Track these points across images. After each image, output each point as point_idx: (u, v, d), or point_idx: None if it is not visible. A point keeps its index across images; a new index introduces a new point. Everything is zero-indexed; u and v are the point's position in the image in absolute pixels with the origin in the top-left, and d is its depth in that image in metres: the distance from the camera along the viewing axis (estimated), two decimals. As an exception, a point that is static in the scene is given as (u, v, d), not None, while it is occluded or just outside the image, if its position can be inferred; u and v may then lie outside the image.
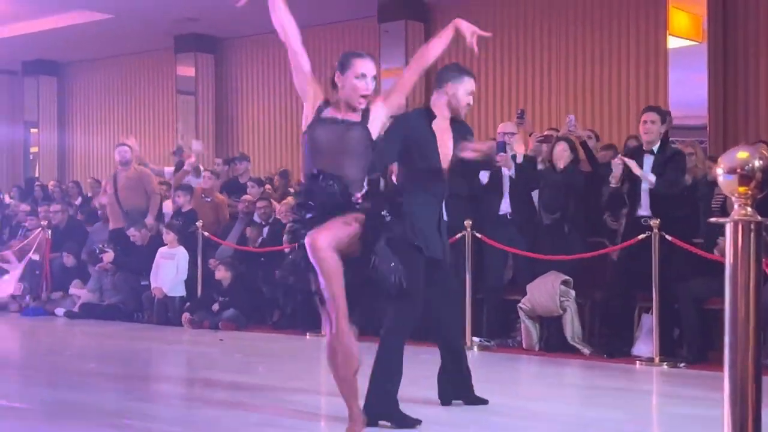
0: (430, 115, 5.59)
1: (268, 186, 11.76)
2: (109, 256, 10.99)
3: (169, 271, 10.39)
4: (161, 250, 10.51)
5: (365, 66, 4.48)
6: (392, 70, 13.52)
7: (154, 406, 6.02)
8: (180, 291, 10.40)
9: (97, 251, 11.27)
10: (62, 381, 6.89)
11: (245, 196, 10.96)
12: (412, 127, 5.54)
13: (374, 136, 4.52)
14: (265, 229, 10.36)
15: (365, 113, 4.48)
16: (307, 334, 9.05)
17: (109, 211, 11.47)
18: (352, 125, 4.42)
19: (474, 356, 7.96)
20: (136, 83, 17.17)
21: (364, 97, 4.46)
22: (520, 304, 8.17)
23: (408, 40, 13.47)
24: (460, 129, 5.69)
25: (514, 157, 8.39)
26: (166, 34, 15.08)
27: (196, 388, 5.65)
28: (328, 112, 4.48)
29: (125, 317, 10.75)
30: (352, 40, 14.43)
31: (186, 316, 9.84)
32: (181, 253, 10.39)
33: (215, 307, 9.77)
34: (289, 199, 10.10)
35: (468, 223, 8.24)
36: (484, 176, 8.45)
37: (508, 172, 8.38)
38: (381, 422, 4.98)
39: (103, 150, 17.58)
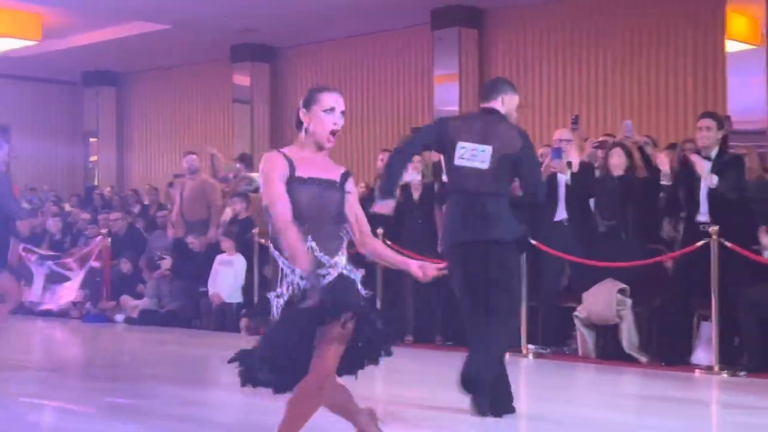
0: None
1: None
2: (167, 263, 11.12)
3: (227, 277, 10.49)
4: (219, 257, 10.59)
5: (333, 99, 4.09)
6: (445, 76, 13.52)
7: (211, 412, 6.07)
8: (237, 297, 10.48)
9: (156, 258, 11.41)
10: (121, 386, 6.98)
11: None
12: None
13: (347, 205, 4.15)
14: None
15: (344, 176, 4.14)
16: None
17: (174, 220, 11.56)
18: (332, 186, 4.08)
19: (529, 364, 7.93)
20: (192, 93, 17.31)
21: (333, 134, 4.07)
22: (575, 312, 8.10)
23: (461, 46, 13.40)
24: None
25: (569, 164, 8.32)
26: (223, 45, 15.19)
27: (252, 394, 5.65)
28: (302, 169, 4.04)
29: (183, 323, 10.86)
30: (405, 48, 14.43)
31: (244, 321, 9.92)
32: (239, 261, 10.48)
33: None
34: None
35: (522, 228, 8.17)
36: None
37: (563, 179, 8.32)
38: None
39: (161, 159, 17.82)
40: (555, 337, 8.46)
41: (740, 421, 5.66)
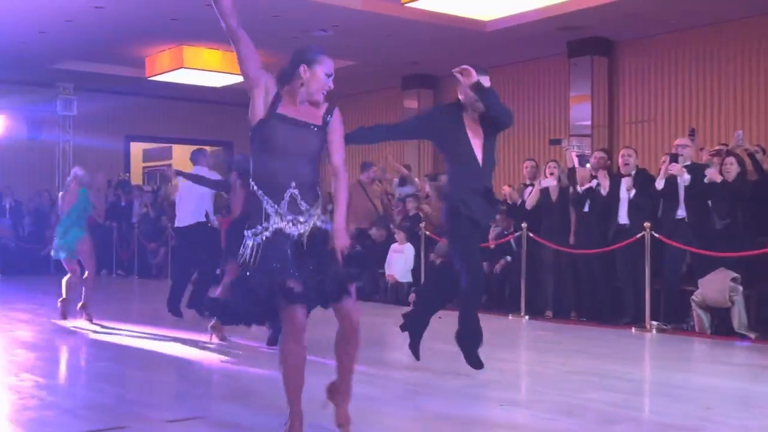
0: (460, 106, 5.36)
1: None
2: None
3: (400, 262, 10.75)
4: (393, 245, 10.87)
5: (332, 66, 3.74)
6: (579, 97, 13.48)
7: (388, 371, 6.19)
8: (408, 278, 10.72)
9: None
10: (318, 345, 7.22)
11: None
12: (440, 118, 5.44)
13: (334, 144, 3.75)
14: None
15: (325, 119, 3.73)
16: (510, 315, 9.14)
17: (363, 213, 11.85)
18: (314, 129, 3.68)
19: (652, 337, 7.80)
20: (366, 118, 17.43)
21: (324, 94, 3.73)
22: (692, 297, 7.93)
23: (593, 72, 13.30)
24: (490, 134, 5.46)
25: (687, 168, 8.15)
26: (395, 75, 15.45)
27: (424, 354, 5.81)
28: (284, 110, 3.66)
29: (365, 298, 11.15)
30: (543, 73, 14.43)
31: (412, 296, 10.12)
32: (409, 249, 10.72)
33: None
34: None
35: (647, 225, 8.08)
36: (659, 183, 8.28)
37: (682, 181, 8.14)
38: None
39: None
40: (675, 316, 8.30)
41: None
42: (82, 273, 8.77)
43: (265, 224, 3.60)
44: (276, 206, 3.60)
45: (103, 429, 4.17)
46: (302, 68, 3.66)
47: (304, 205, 3.63)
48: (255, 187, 3.66)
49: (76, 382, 5.84)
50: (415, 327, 5.76)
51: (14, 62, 15.07)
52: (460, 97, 5.36)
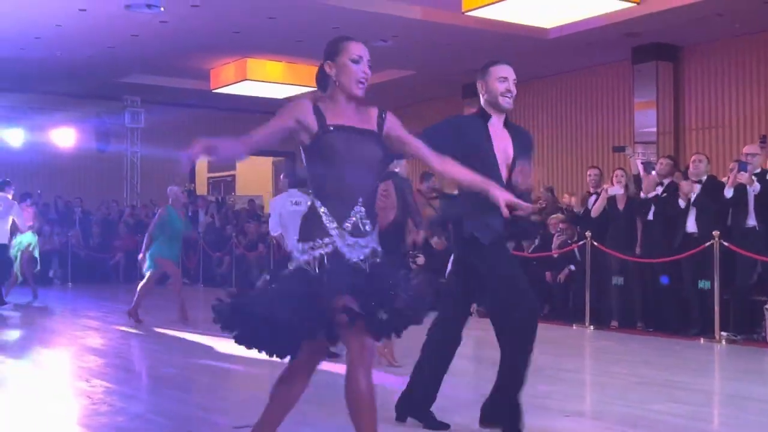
0: (485, 116, 4.26)
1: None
2: (421, 260, 11.30)
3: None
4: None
5: (360, 49, 3.22)
6: (644, 103, 13.34)
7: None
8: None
9: (411, 255, 11.67)
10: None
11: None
12: (465, 133, 4.22)
13: (406, 139, 3.30)
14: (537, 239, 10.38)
15: (380, 121, 3.24)
16: (573, 325, 9.04)
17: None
18: (371, 135, 3.20)
19: (722, 349, 7.64)
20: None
21: (361, 83, 3.19)
22: (765, 306, 7.75)
23: (658, 78, 13.18)
24: (521, 139, 4.31)
25: (757, 175, 7.97)
26: (455, 84, 15.23)
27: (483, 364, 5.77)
28: (333, 119, 3.17)
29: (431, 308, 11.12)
30: (607, 80, 14.30)
31: (473, 306, 10.07)
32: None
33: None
34: (558, 215, 10.10)
35: (716, 233, 7.93)
36: (728, 192, 8.11)
37: (752, 190, 7.96)
38: None
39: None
40: (745, 326, 8.11)
41: None
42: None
43: (325, 240, 3.11)
44: (338, 226, 3.13)
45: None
46: (326, 65, 3.23)
47: (368, 227, 3.17)
48: (317, 204, 3.17)
49: (144, 387, 5.96)
50: (420, 406, 4.41)
51: (83, 76, 15.49)
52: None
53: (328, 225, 3.13)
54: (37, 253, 12.27)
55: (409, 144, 3.33)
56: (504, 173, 4.17)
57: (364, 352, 3.07)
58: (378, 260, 3.17)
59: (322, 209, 3.15)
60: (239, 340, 3.15)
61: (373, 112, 3.26)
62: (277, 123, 3.19)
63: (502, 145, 4.21)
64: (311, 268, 3.08)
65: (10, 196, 10.89)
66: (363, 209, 3.15)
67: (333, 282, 3.03)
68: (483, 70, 4.32)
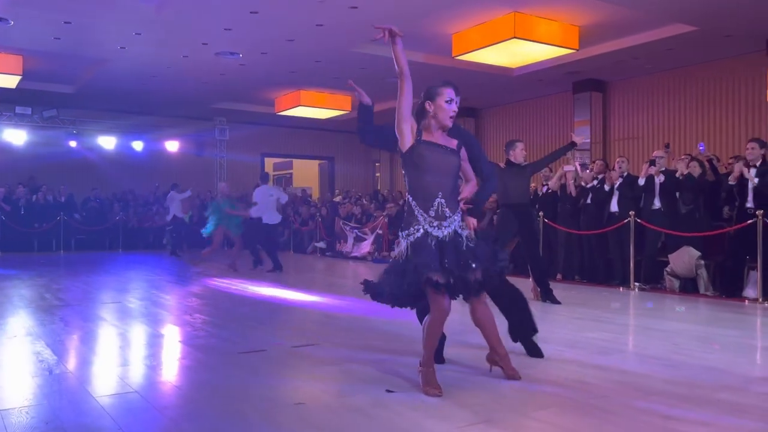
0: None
1: None
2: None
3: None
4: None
5: (452, 93, 3.24)
6: (581, 122, 13.19)
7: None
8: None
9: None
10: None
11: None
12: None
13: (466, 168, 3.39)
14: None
15: (459, 146, 3.26)
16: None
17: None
18: (452, 152, 3.21)
19: (635, 294, 7.61)
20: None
21: (452, 117, 3.22)
22: (666, 269, 7.72)
23: (592, 103, 13.05)
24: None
25: (662, 172, 7.91)
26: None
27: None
28: (427, 137, 3.21)
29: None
30: (555, 105, 14.13)
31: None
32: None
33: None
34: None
35: (632, 213, 7.88)
36: (641, 181, 8.07)
37: (657, 180, 7.91)
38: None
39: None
40: (652, 279, 8.08)
41: (777, 333, 5.21)
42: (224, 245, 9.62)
43: (416, 227, 3.13)
44: (425, 214, 3.14)
45: (248, 351, 4.29)
46: (427, 104, 3.24)
47: (448, 213, 3.14)
48: (410, 199, 3.20)
49: (230, 320, 6.00)
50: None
51: (185, 104, 15.56)
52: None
53: (417, 214, 3.15)
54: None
55: (465, 168, 3.42)
56: None
57: (472, 299, 3.25)
58: (459, 237, 3.15)
59: (413, 202, 3.18)
60: (381, 301, 3.23)
61: (454, 141, 3.27)
62: (408, 109, 3.15)
63: None
64: (401, 256, 3.14)
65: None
66: (443, 200, 3.14)
67: (420, 261, 3.05)
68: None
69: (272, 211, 10.01)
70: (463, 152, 3.31)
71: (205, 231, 10.44)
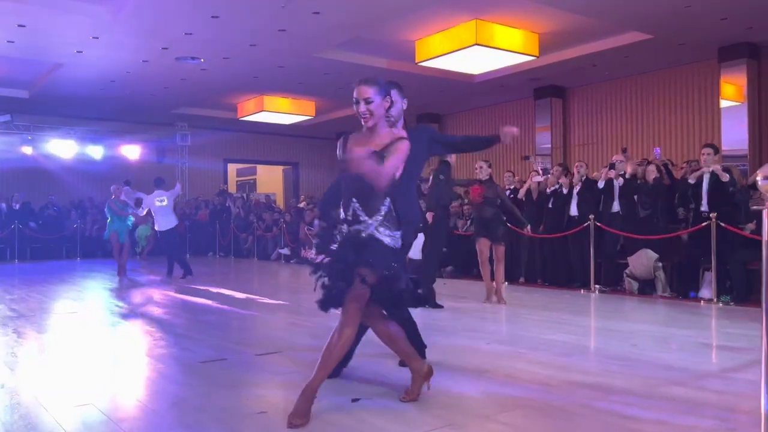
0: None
1: None
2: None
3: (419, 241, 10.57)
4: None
5: (355, 93, 2.88)
6: (542, 127, 13.39)
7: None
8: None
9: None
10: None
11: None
12: None
13: (389, 167, 2.79)
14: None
15: (384, 148, 2.84)
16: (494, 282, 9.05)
17: None
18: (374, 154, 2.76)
19: (596, 297, 7.72)
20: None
21: (364, 119, 2.86)
22: (625, 271, 7.86)
23: (552, 109, 13.23)
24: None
25: (621, 176, 8.07)
26: (411, 115, 15.23)
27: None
28: (353, 144, 2.93)
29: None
30: (516, 110, 14.30)
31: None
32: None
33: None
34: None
35: (591, 216, 8.01)
36: (600, 183, 8.22)
37: (617, 183, 8.07)
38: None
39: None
40: (611, 281, 8.21)
41: (729, 331, 5.34)
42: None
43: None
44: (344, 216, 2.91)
45: (209, 360, 4.20)
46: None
47: (363, 216, 2.85)
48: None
49: (191, 329, 5.88)
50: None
51: (146, 110, 15.28)
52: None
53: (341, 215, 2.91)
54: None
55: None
56: None
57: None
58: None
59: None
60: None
61: (388, 136, 2.86)
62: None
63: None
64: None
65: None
66: (357, 204, 2.86)
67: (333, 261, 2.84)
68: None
69: (164, 217, 9.57)
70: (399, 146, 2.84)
71: (105, 235, 10.13)
